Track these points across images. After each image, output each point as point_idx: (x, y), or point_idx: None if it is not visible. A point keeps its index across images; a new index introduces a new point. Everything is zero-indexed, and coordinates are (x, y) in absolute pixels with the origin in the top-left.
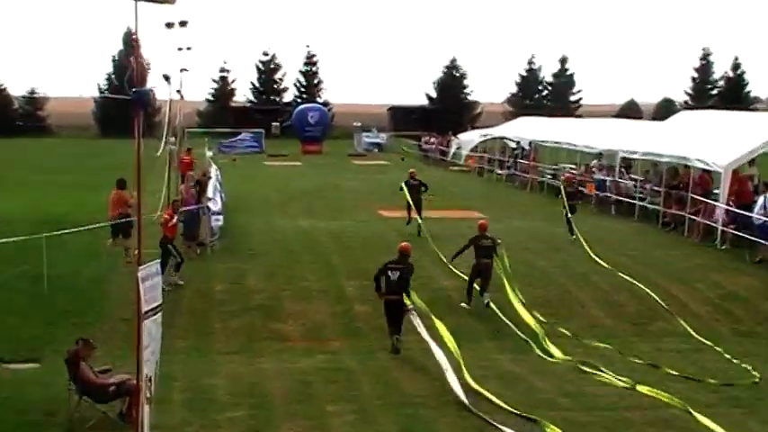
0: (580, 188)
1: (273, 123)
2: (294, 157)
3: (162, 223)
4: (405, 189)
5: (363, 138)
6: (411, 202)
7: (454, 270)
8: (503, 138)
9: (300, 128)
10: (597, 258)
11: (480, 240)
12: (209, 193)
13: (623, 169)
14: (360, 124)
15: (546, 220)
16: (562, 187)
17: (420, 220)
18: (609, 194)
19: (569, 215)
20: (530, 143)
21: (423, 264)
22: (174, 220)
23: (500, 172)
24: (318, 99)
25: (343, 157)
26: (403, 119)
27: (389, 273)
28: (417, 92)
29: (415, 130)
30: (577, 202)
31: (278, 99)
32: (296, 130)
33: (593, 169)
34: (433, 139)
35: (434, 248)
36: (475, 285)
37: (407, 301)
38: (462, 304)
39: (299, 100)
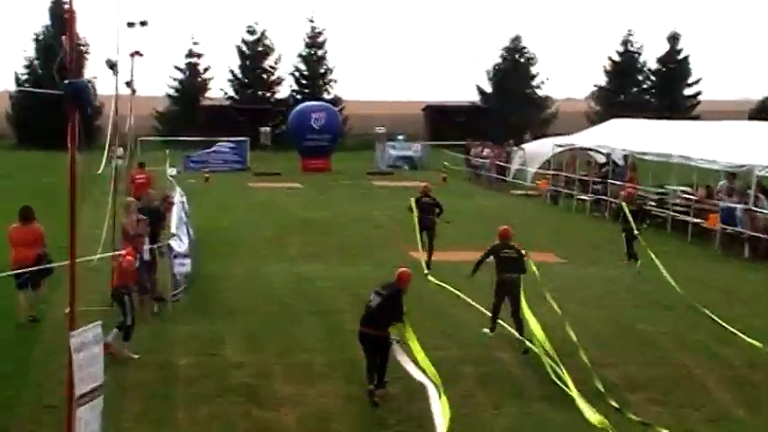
0: (651, 208)
1: (262, 129)
2: (291, 175)
3: (124, 266)
4: (414, 210)
5: (389, 149)
6: (419, 227)
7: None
8: (586, 149)
9: (300, 135)
10: (722, 322)
11: (502, 251)
12: (172, 226)
13: (762, 194)
14: (384, 130)
15: (649, 266)
16: (623, 205)
17: (424, 255)
18: (741, 230)
19: (632, 239)
20: (625, 156)
21: (445, 310)
22: (138, 263)
23: (583, 197)
24: (326, 95)
25: (361, 176)
26: (444, 123)
27: (371, 297)
28: (464, 85)
29: (462, 138)
30: (643, 225)
31: (269, 95)
32: (294, 138)
33: (720, 194)
34: (486, 151)
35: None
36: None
37: (395, 334)
38: (484, 330)
39: (298, 96)
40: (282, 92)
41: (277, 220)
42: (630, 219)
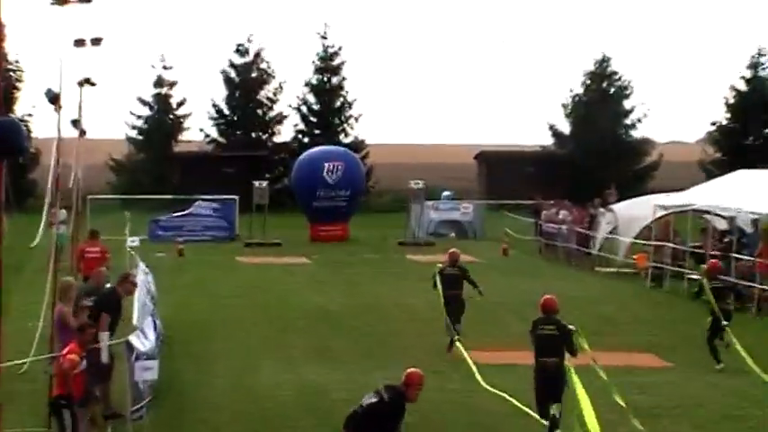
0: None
1: (257, 184)
2: (295, 247)
3: (64, 368)
4: (438, 283)
5: (429, 212)
6: (446, 303)
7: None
8: (701, 211)
9: (308, 192)
10: None
11: (539, 328)
12: (133, 317)
13: None
14: (422, 185)
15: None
16: (704, 282)
17: (456, 334)
18: None
19: (720, 325)
20: (754, 221)
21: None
22: (83, 365)
23: (695, 276)
24: (343, 137)
25: (390, 248)
26: (505, 174)
27: (365, 398)
28: (532, 123)
29: (530, 196)
30: (729, 306)
31: (265, 137)
32: (300, 196)
33: None
34: (563, 214)
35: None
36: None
37: None
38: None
39: (305, 140)
40: (284, 133)
41: (276, 310)
42: (713, 300)
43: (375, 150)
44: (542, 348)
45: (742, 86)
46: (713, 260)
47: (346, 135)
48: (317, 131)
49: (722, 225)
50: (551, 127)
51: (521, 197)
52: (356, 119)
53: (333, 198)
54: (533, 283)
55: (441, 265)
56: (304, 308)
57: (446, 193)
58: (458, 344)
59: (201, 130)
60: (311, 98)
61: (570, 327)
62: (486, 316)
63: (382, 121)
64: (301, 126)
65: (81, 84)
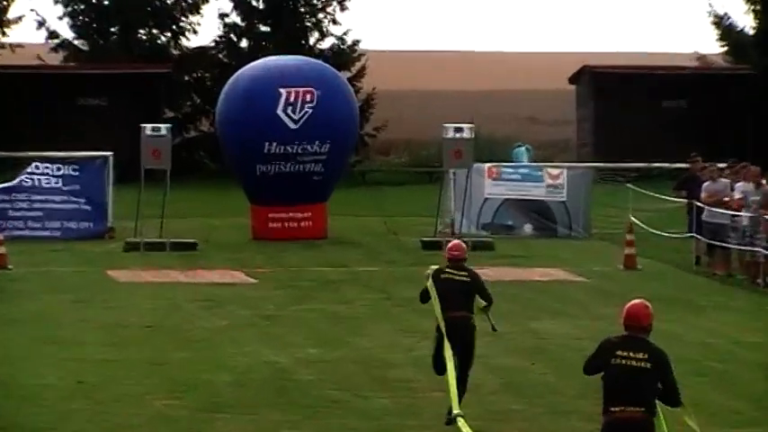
0: None
1: (148, 130)
2: (225, 250)
3: None
4: (433, 295)
5: (486, 183)
6: (443, 325)
7: None
8: None
9: (248, 146)
10: None
11: (615, 352)
12: None
13: None
14: (469, 133)
15: None
16: None
17: (457, 408)
18: None
19: None
20: None
21: None
22: None
23: None
24: (317, 41)
25: (407, 252)
26: (631, 112)
27: None
28: (681, 17)
29: (679, 152)
30: None
31: (166, 39)
32: (232, 152)
33: None
34: (743, 187)
35: None
36: None
37: None
38: None
39: (241, 43)
40: (204, 32)
41: (184, 384)
42: None
43: (377, 65)
44: (616, 392)
45: None
46: None
47: (322, 36)
48: (263, 28)
49: None
50: (720, 21)
51: (661, 156)
52: (341, 4)
53: (296, 158)
54: (683, 325)
55: (435, 267)
56: (242, 379)
57: (518, 149)
58: (461, 425)
59: (41, 23)
60: None
61: (664, 356)
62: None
63: (389, 11)
64: (234, 18)
65: None
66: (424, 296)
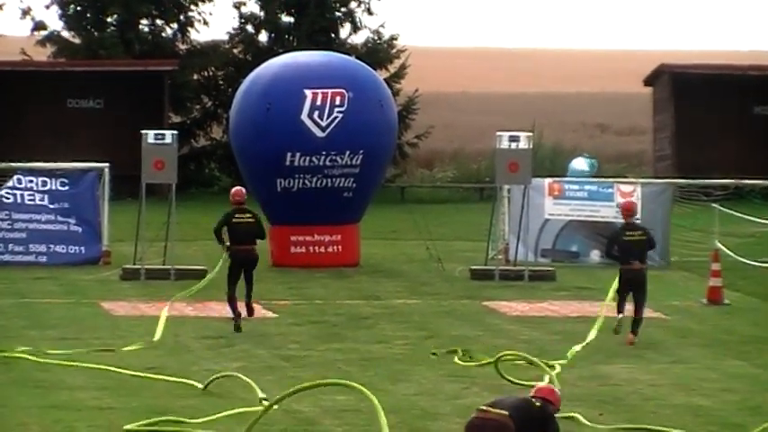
0: None
1: (150, 137)
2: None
3: None
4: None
5: (547, 202)
6: None
7: None
8: None
9: (267, 156)
10: None
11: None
12: None
13: None
14: (526, 143)
15: None
16: None
17: None
18: None
19: None
20: None
21: None
22: None
23: None
24: (348, 36)
25: (453, 283)
26: (717, 117)
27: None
28: None
29: None
30: None
31: (171, 32)
32: (247, 164)
33: None
34: None
35: None
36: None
37: None
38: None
39: (259, 36)
40: (215, 25)
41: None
42: None
43: (420, 64)
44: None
45: None
46: None
47: (355, 28)
48: (285, 18)
49: None
50: None
51: (752, 171)
52: None
53: (323, 171)
54: None
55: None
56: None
57: (581, 161)
58: None
59: (26, 12)
60: None
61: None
62: None
63: (434, 1)
64: (252, 7)
65: None
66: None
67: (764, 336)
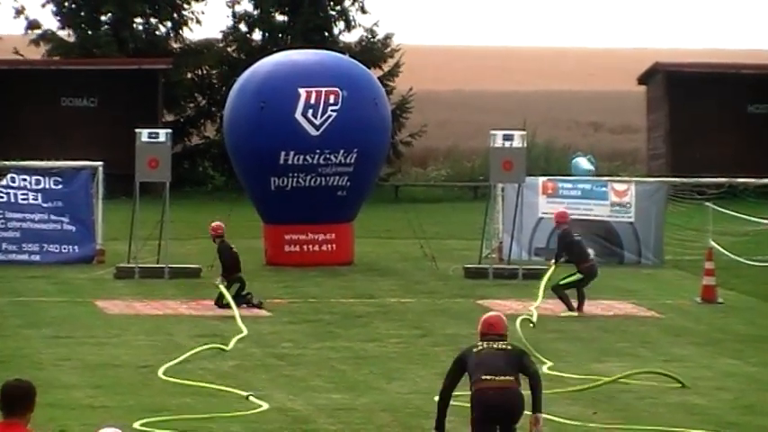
0: None
1: (144, 136)
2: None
3: None
4: (471, 384)
5: (540, 201)
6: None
7: None
8: None
9: (260, 154)
10: None
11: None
12: None
13: None
14: (520, 141)
15: None
16: None
17: None
18: None
19: None
20: None
21: None
22: None
23: None
24: (341, 33)
25: (447, 281)
26: (713, 116)
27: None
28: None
29: None
30: None
31: (165, 29)
32: (241, 162)
33: None
34: None
35: None
36: None
37: None
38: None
39: (253, 34)
40: (208, 22)
41: (190, 428)
42: None
43: (413, 62)
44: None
45: None
46: None
47: (349, 27)
48: (279, 17)
49: None
50: None
51: (746, 169)
52: None
53: (317, 170)
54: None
55: (481, 345)
56: (254, 429)
57: (578, 161)
58: None
59: (20, 11)
60: None
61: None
62: None
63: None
64: (246, 5)
65: None
66: (452, 377)
67: (758, 334)
